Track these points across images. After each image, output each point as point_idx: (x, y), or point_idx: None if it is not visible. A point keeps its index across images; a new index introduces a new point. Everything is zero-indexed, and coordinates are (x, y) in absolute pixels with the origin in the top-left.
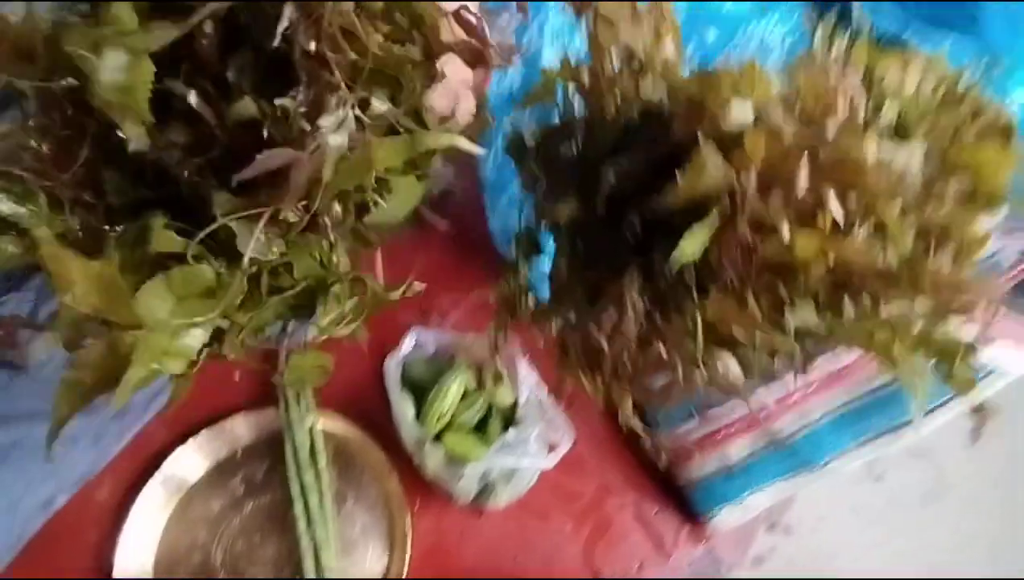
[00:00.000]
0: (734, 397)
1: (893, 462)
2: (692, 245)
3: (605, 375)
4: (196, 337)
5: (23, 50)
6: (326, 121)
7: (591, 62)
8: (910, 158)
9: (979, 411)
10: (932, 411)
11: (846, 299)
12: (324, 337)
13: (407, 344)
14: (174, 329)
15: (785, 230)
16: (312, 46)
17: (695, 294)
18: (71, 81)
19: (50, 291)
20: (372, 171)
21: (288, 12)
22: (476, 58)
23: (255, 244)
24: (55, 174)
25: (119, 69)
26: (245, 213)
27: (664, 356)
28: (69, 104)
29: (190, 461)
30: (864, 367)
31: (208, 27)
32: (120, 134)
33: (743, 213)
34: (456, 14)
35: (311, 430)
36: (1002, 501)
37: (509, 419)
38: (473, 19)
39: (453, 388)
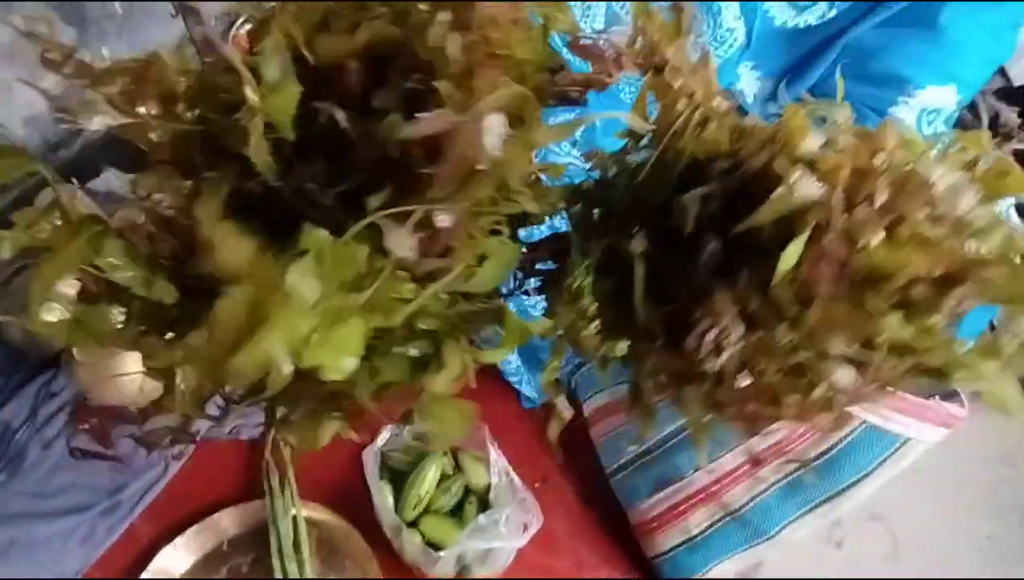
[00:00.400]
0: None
1: (851, 527)
2: (790, 258)
3: (693, 396)
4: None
5: (167, 92)
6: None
7: (658, 110)
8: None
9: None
10: (864, 478)
11: (936, 305)
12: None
13: (384, 436)
14: (321, 314)
15: (876, 240)
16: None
17: (790, 308)
18: (214, 117)
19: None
20: (530, 156)
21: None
22: None
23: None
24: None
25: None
26: (394, 210)
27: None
28: (203, 149)
29: (178, 555)
30: (803, 438)
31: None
32: (259, 170)
33: (833, 228)
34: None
35: (295, 520)
36: (954, 556)
37: (485, 502)
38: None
39: (430, 474)
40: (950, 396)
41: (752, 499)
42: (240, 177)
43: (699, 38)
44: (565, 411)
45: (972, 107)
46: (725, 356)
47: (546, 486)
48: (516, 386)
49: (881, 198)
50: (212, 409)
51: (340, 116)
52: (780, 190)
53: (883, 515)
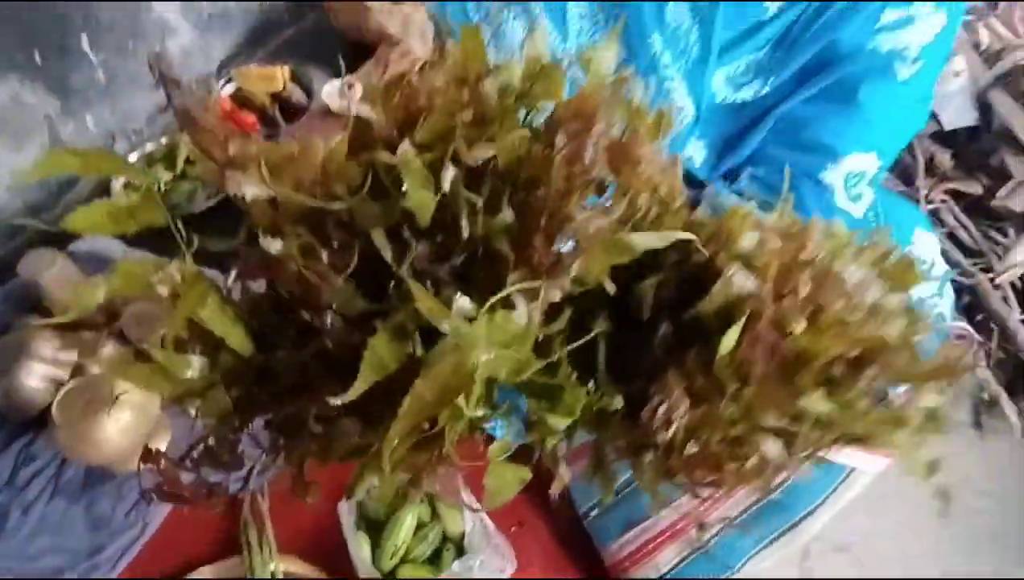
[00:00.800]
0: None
1: (819, 559)
2: (729, 341)
3: (646, 463)
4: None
5: (312, 179)
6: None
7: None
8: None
9: None
10: (816, 509)
11: (852, 383)
12: (282, 482)
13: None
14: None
15: (799, 327)
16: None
17: (730, 385)
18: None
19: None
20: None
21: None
22: None
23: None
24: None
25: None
26: (525, 285)
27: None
28: (338, 228)
29: None
30: None
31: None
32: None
33: (765, 316)
34: None
35: (273, 575)
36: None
37: (462, 549)
38: None
39: (406, 523)
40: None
41: (716, 534)
42: (362, 248)
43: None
44: (565, 475)
45: (910, 150)
46: (674, 428)
47: (523, 530)
48: (490, 432)
49: (804, 291)
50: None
51: (464, 218)
52: (719, 283)
53: (849, 546)
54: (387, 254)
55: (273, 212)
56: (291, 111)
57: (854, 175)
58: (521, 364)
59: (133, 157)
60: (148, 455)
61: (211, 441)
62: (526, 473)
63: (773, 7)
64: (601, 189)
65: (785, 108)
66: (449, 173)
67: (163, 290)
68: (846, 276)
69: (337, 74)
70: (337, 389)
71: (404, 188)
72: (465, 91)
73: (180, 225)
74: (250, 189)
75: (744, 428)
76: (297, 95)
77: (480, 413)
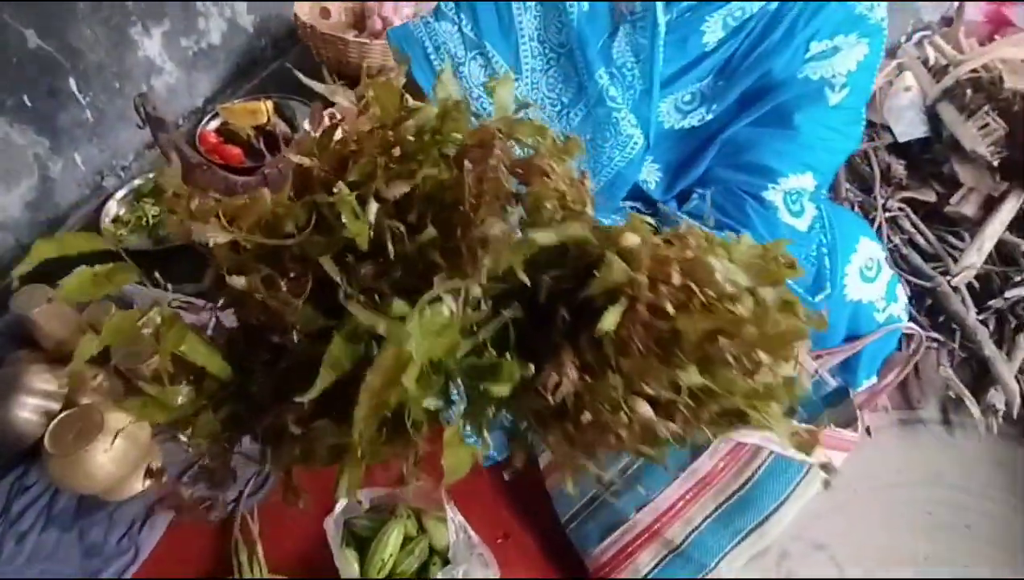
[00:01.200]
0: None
1: (798, 558)
2: (610, 319)
3: (553, 431)
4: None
5: (265, 221)
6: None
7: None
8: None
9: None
10: (781, 506)
11: (721, 361)
12: (271, 502)
13: (341, 503)
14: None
15: (669, 308)
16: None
17: (614, 358)
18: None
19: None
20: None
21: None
22: None
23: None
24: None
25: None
26: (450, 285)
27: (595, 405)
28: (292, 261)
29: None
30: (722, 473)
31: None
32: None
33: (641, 300)
34: None
35: None
36: (896, 576)
37: (448, 562)
38: None
39: (392, 537)
40: (845, 424)
41: (689, 534)
42: (315, 274)
43: (605, 143)
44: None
45: (868, 161)
46: (564, 392)
47: (508, 541)
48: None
49: (676, 279)
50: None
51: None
52: (601, 270)
53: (827, 544)
54: (336, 277)
55: (234, 254)
56: (275, 143)
57: (793, 193)
58: (451, 347)
59: (121, 192)
60: (151, 473)
61: (206, 460)
62: (475, 450)
63: (712, 41)
64: (518, 199)
65: (729, 133)
66: (372, 207)
67: (147, 331)
68: (717, 269)
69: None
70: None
71: (343, 220)
72: (388, 133)
73: (159, 256)
74: (213, 236)
75: (625, 394)
76: (281, 127)
77: (433, 402)
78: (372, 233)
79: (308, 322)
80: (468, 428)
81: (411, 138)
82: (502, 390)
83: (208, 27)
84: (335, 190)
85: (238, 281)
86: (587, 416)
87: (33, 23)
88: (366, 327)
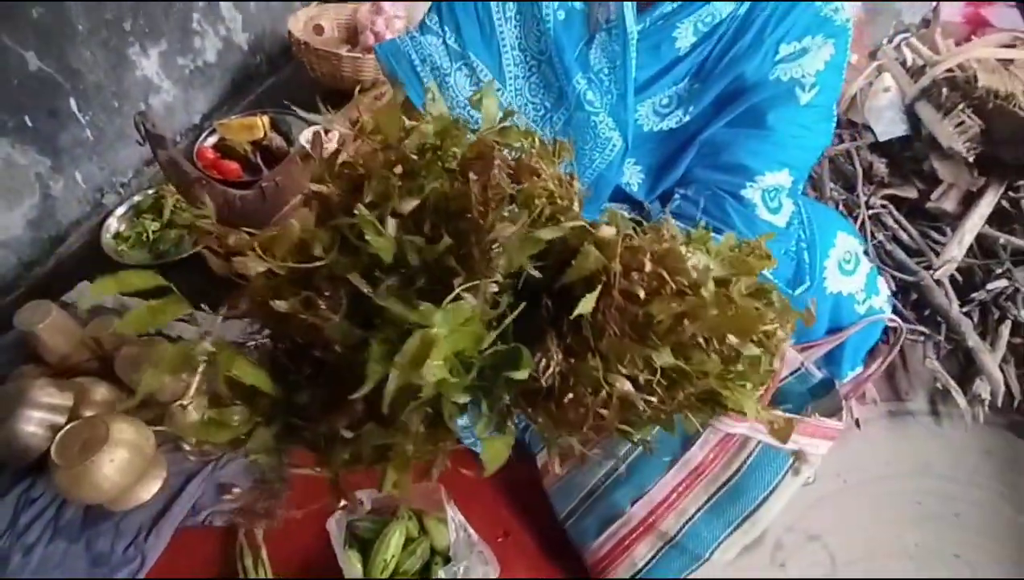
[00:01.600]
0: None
1: (792, 549)
2: (587, 303)
3: (541, 412)
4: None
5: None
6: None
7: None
8: (706, 260)
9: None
10: (770, 495)
11: (692, 344)
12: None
13: (342, 503)
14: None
15: (641, 293)
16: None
17: (593, 341)
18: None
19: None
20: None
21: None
22: None
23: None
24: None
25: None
26: (467, 285)
27: (577, 383)
28: (325, 281)
29: None
30: (712, 463)
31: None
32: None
33: (614, 286)
34: None
35: None
36: (887, 565)
37: (449, 561)
38: None
39: (395, 538)
40: (831, 414)
41: (683, 526)
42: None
43: (585, 145)
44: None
45: (850, 160)
46: (550, 372)
47: (508, 540)
48: (473, 448)
49: (648, 267)
50: None
51: (415, 248)
52: (578, 258)
53: (819, 534)
54: (366, 290)
55: (270, 281)
56: (272, 157)
57: (771, 190)
58: (477, 338)
59: (122, 209)
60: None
61: (264, 473)
62: (511, 437)
63: (685, 46)
64: (512, 200)
65: (706, 134)
66: (391, 224)
67: (202, 358)
68: (688, 258)
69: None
70: (354, 402)
71: (367, 238)
72: (391, 153)
73: (172, 275)
74: (253, 267)
75: (605, 373)
76: (277, 142)
77: (462, 396)
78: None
79: (347, 336)
80: (488, 421)
81: (414, 156)
82: (521, 375)
83: (204, 45)
84: (356, 212)
85: (281, 305)
86: (569, 396)
87: (33, 45)
88: (400, 328)
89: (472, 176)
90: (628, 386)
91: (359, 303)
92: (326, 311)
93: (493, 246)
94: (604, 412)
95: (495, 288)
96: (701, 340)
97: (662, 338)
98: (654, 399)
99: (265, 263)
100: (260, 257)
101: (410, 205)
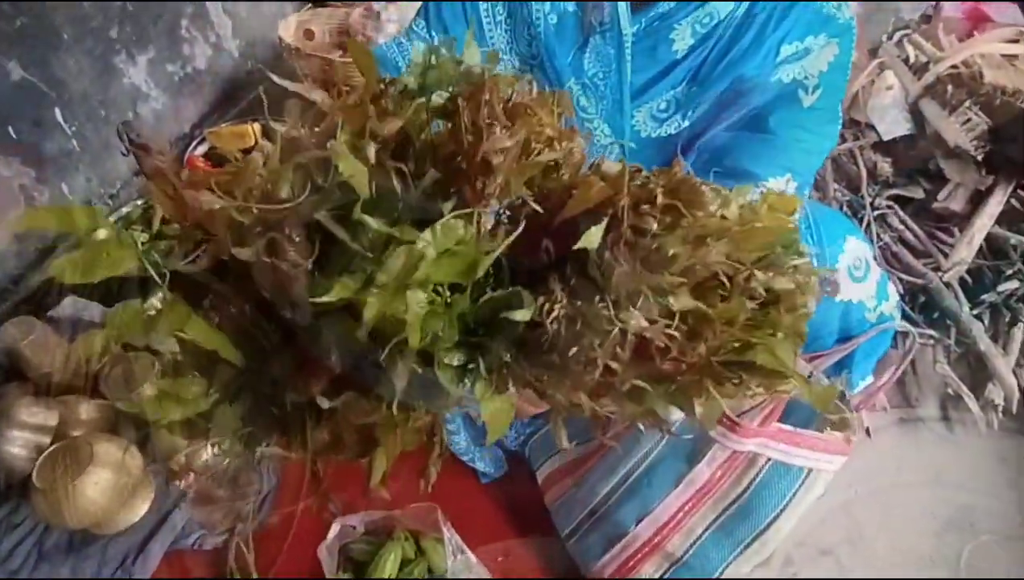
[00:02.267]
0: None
1: (803, 563)
2: (593, 236)
3: (542, 366)
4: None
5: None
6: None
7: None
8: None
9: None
10: (781, 513)
11: (712, 284)
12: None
13: (334, 529)
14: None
15: (653, 225)
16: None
17: (601, 279)
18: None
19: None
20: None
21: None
22: None
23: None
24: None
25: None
26: (462, 212)
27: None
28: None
29: None
30: (720, 482)
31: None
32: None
33: (623, 220)
34: None
35: None
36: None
37: None
38: None
39: (390, 561)
40: (842, 427)
41: (691, 546)
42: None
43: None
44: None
45: (854, 160)
46: (554, 315)
47: (508, 560)
48: (470, 464)
49: (659, 200)
50: None
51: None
52: (580, 188)
53: (831, 548)
54: (340, 233)
55: (234, 228)
56: None
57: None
58: (471, 263)
59: (111, 219)
60: (175, 474)
61: (229, 464)
62: (514, 399)
63: (682, 49)
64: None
65: (706, 139)
66: (371, 147)
67: (152, 311)
68: (704, 190)
69: None
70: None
71: (340, 171)
72: (372, 106)
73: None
74: (209, 203)
75: (615, 314)
76: (268, 148)
77: (456, 357)
78: (373, 182)
79: (320, 287)
80: (487, 383)
81: (396, 105)
82: (523, 315)
83: (193, 52)
84: (328, 144)
85: (243, 253)
86: (575, 349)
87: (16, 55)
88: (379, 261)
89: (461, 102)
90: (642, 321)
91: (334, 254)
92: (295, 256)
93: (487, 167)
94: (614, 365)
95: (490, 221)
96: (724, 278)
97: (679, 278)
98: (673, 341)
99: (223, 200)
100: (218, 195)
101: (391, 126)
